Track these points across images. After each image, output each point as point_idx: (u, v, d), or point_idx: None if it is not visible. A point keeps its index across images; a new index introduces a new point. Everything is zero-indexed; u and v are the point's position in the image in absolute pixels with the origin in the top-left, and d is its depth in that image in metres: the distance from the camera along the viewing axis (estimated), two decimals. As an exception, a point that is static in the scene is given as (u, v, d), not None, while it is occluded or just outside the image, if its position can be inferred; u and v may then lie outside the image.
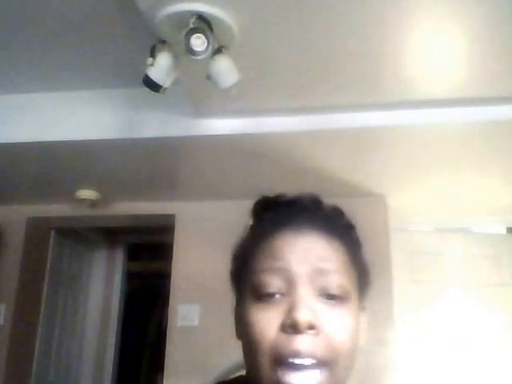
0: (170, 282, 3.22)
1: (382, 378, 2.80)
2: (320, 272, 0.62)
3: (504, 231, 3.60)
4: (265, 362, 0.59)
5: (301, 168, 2.68)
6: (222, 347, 2.83)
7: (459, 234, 3.49)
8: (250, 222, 0.72)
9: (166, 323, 3.20)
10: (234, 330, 0.68)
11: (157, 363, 3.81)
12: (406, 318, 3.01)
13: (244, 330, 0.63)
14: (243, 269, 0.67)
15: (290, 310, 0.59)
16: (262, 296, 0.62)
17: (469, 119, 2.19)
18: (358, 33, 1.71)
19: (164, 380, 3.05)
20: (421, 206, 3.31)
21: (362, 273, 0.70)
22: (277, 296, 0.61)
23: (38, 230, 3.59)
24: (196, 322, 3.10)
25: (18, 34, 2.02)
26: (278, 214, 0.68)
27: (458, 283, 3.28)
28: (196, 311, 3.11)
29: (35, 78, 2.35)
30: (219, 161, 2.67)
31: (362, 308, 0.69)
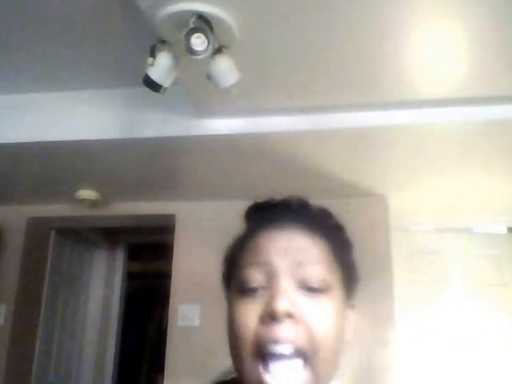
0: (170, 282, 3.22)
1: (382, 377, 2.80)
2: (300, 264, 0.63)
3: (505, 231, 3.60)
4: (247, 355, 0.61)
5: (301, 168, 2.68)
6: (222, 347, 2.83)
7: (460, 234, 3.49)
8: (243, 227, 0.75)
9: (167, 323, 3.20)
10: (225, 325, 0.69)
11: (157, 363, 3.81)
12: (406, 318, 3.01)
13: (229, 327, 0.65)
14: (231, 267, 0.70)
15: (270, 300, 0.61)
16: (246, 291, 0.63)
17: (469, 119, 2.18)
18: (358, 32, 1.71)
19: (164, 380, 3.05)
20: (421, 205, 3.31)
21: (348, 272, 0.71)
22: (259, 290, 0.63)
23: (38, 230, 3.59)
24: (196, 322, 3.10)
25: (18, 34, 2.02)
26: (264, 215, 0.71)
27: (458, 283, 3.28)
28: (196, 311, 3.11)
29: (35, 78, 2.35)
30: (219, 161, 2.67)
31: (350, 305, 0.70)
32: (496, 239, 3.50)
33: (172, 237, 3.29)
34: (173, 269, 3.23)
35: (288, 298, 0.61)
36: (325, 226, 0.70)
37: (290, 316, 0.60)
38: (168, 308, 3.21)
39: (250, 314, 0.62)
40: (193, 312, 3.11)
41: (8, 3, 1.83)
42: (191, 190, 3.17)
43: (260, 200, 0.74)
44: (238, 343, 0.62)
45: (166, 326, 3.19)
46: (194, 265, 3.18)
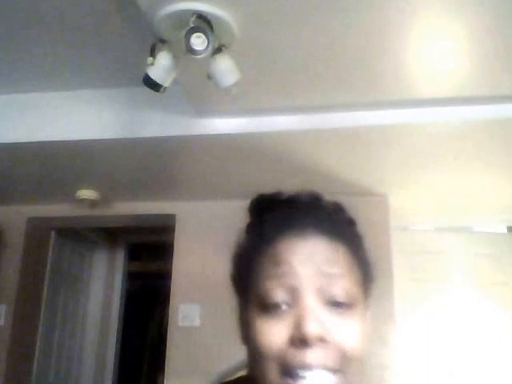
0: (170, 282, 3.22)
1: (383, 376, 2.80)
2: (326, 279, 0.60)
3: (505, 230, 3.60)
4: (272, 370, 0.58)
5: (301, 167, 2.68)
6: (222, 347, 2.84)
7: (460, 233, 3.49)
8: (248, 221, 0.70)
9: (167, 323, 3.20)
10: (238, 333, 0.67)
11: (157, 363, 3.82)
12: (406, 317, 3.01)
13: (250, 339, 0.61)
14: (246, 273, 0.65)
15: (299, 322, 0.57)
16: (268, 306, 0.60)
17: (469, 118, 2.19)
18: (358, 32, 1.71)
19: (165, 380, 3.05)
20: (422, 205, 3.31)
21: (366, 269, 0.68)
22: (283, 307, 0.59)
23: (38, 230, 3.59)
24: (197, 322, 3.10)
25: (18, 34, 2.02)
26: (278, 214, 0.66)
27: (459, 282, 3.28)
28: (197, 311, 3.11)
29: (35, 77, 2.35)
30: (219, 160, 2.67)
31: (367, 307, 0.68)
32: (496, 238, 3.50)
33: (172, 236, 3.29)
34: (173, 268, 3.23)
35: (317, 318, 0.57)
36: (340, 222, 0.67)
37: (321, 340, 0.57)
38: (168, 308, 3.21)
39: (276, 333, 0.58)
40: (193, 312, 3.11)
41: (8, 3, 1.83)
42: (191, 190, 3.17)
43: (266, 194, 0.70)
44: (261, 357, 0.59)
45: (167, 326, 3.19)
46: (195, 264, 3.18)
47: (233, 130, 2.32)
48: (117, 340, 4.41)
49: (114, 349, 4.36)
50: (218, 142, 2.41)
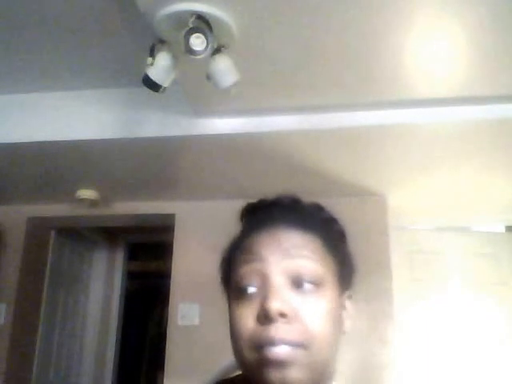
0: (170, 281, 3.23)
1: (381, 375, 2.81)
2: (292, 261, 0.64)
3: (503, 230, 3.61)
4: (246, 351, 0.62)
5: (300, 167, 2.69)
6: (222, 346, 2.83)
7: (459, 232, 3.50)
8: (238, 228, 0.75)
9: (166, 322, 3.21)
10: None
11: (157, 362, 3.82)
12: (405, 317, 3.02)
13: (230, 328, 0.66)
14: (228, 270, 0.71)
15: (263, 300, 0.62)
16: (241, 291, 0.65)
17: (468, 118, 2.19)
18: (356, 32, 1.72)
19: (164, 379, 3.05)
20: (420, 204, 3.32)
21: (344, 262, 0.71)
22: (253, 290, 0.64)
23: (38, 230, 3.60)
24: (196, 321, 3.11)
25: (18, 34, 2.03)
26: (257, 216, 0.72)
27: (457, 282, 3.29)
28: (196, 310, 3.12)
29: (35, 77, 2.36)
30: (219, 160, 2.68)
31: (348, 296, 0.71)
32: (494, 238, 3.51)
33: (172, 236, 3.30)
34: (172, 268, 3.24)
35: (281, 296, 0.62)
36: (317, 220, 0.71)
37: (283, 315, 0.60)
38: (168, 307, 3.22)
39: (247, 314, 0.63)
40: (192, 311, 3.12)
41: (8, 4, 1.84)
42: (191, 190, 3.18)
43: (253, 200, 0.75)
44: (238, 343, 0.63)
45: (166, 325, 3.20)
46: (194, 264, 3.19)
47: (232, 130, 2.32)
48: (116, 339, 4.42)
49: (114, 348, 4.38)
50: (216, 142, 2.42)
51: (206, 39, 1.53)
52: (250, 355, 0.62)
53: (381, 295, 2.86)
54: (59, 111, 2.45)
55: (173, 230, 3.31)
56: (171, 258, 3.26)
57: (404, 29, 1.72)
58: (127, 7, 1.73)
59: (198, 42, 1.53)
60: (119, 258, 4.60)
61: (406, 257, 3.24)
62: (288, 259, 0.64)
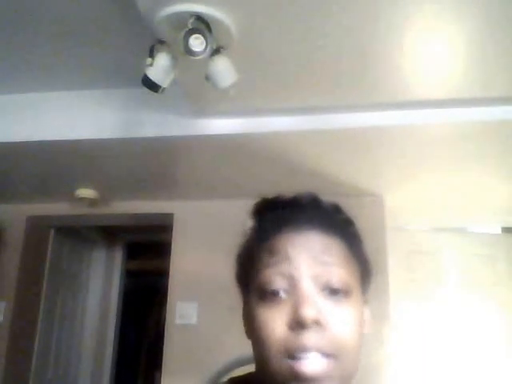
0: (168, 280, 3.24)
1: (378, 375, 2.82)
2: (322, 267, 0.63)
3: (499, 231, 3.62)
4: (275, 357, 0.60)
5: (298, 167, 2.70)
6: (220, 344, 2.85)
7: (455, 233, 3.51)
8: (250, 224, 0.73)
9: (165, 321, 3.22)
10: (244, 328, 0.70)
11: (155, 360, 3.83)
12: (402, 317, 3.03)
13: (253, 330, 0.64)
14: (248, 271, 0.68)
15: (296, 307, 0.60)
16: (267, 295, 0.63)
17: (465, 120, 2.20)
18: (354, 34, 1.73)
19: (162, 377, 3.06)
20: (417, 205, 3.33)
21: (364, 266, 0.71)
22: (282, 294, 0.62)
23: (37, 229, 3.60)
24: (194, 320, 3.12)
25: (18, 34, 2.03)
26: (277, 214, 0.69)
27: (453, 282, 3.30)
28: (194, 309, 3.13)
29: (35, 77, 2.37)
30: (217, 160, 2.69)
31: (365, 301, 0.70)
32: (490, 239, 3.51)
33: (170, 235, 3.31)
34: (171, 267, 3.25)
35: (313, 303, 0.61)
36: (337, 221, 0.70)
37: (317, 323, 0.60)
38: (166, 306, 3.23)
39: (276, 319, 0.61)
40: (190, 310, 3.13)
41: (8, 4, 1.85)
42: (189, 190, 3.19)
43: (268, 197, 0.73)
44: (264, 346, 0.62)
45: (164, 324, 3.21)
46: (192, 263, 3.20)
47: (230, 130, 2.33)
48: (115, 337, 4.43)
49: (112, 346, 4.38)
50: (215, 142, 2.43)
51: (205, 40, 1.54)
52: (279, 363, 0.60)
53: (377, 295, 2.85)
54: (59, 111, 2.46)
55: (171, 230, 3.32)
56: (169, 258, 3.27)
57: (402, 31, 1.73)
58: (127, 8, 1.73)
59: (197, 42, 1.54)
60: (118, 256, 4.61)
61: (403, 257, 3.24)
62: (317, 264, 0.63)
